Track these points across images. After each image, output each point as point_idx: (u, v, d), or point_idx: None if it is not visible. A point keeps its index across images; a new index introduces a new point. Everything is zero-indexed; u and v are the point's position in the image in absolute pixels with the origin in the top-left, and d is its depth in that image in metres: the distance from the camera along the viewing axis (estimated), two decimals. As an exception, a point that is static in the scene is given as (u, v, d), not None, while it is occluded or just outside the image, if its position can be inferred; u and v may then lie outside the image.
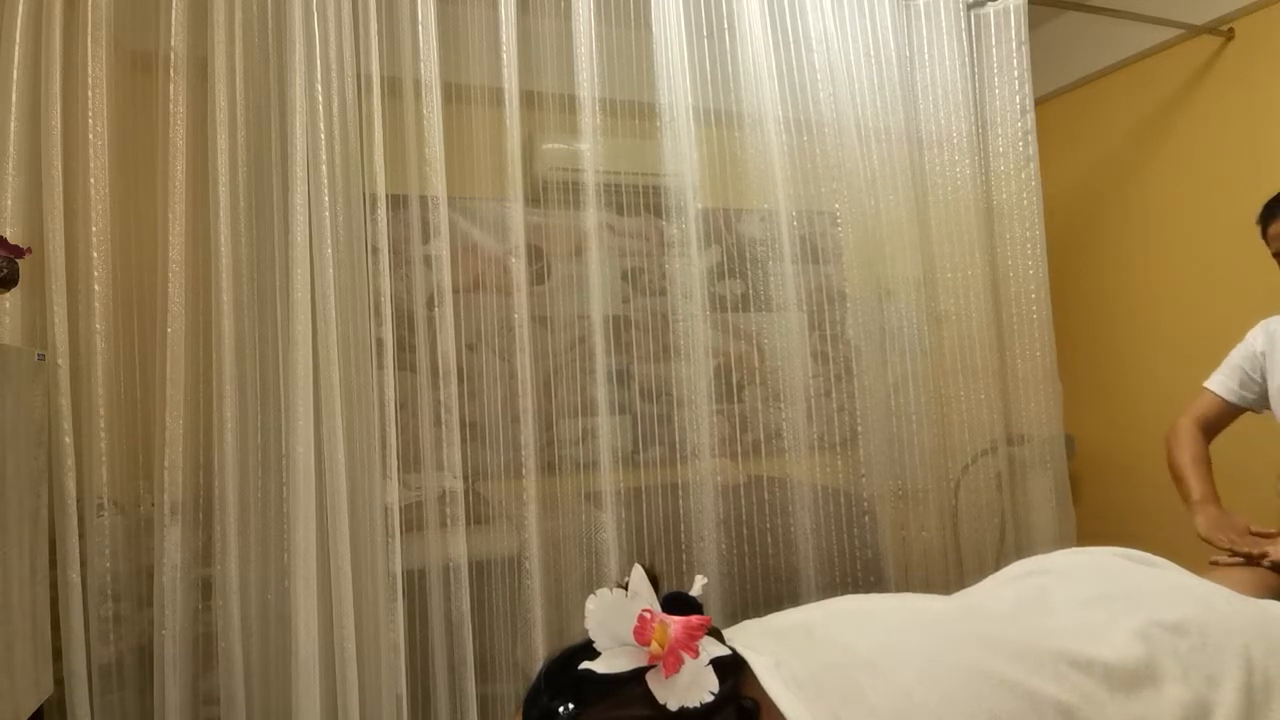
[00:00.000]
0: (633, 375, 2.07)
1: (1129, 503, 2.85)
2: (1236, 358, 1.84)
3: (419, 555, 1.73)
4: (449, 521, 1.72)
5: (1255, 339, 1.82)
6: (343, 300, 1.61)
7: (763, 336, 2.15)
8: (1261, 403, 1.80)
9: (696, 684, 0.74)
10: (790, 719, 0.74)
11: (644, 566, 0.81)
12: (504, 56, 1.82)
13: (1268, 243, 1.73)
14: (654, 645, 0.74)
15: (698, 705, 0.72)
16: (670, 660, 0.74)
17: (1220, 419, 1.83)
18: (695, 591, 0.84)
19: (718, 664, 0.76)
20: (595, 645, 0.77)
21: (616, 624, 0.76)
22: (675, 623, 0.76)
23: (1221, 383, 1.83)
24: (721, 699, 0.74)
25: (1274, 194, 1.72)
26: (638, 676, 0.74)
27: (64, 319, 1.49)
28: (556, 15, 1.93)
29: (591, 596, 0.79)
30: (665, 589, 0.82)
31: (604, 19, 1.96)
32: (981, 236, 2.26)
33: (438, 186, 1.75)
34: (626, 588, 0.79)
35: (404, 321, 1.75)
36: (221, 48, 1.58)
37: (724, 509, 2.01)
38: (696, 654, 0.76)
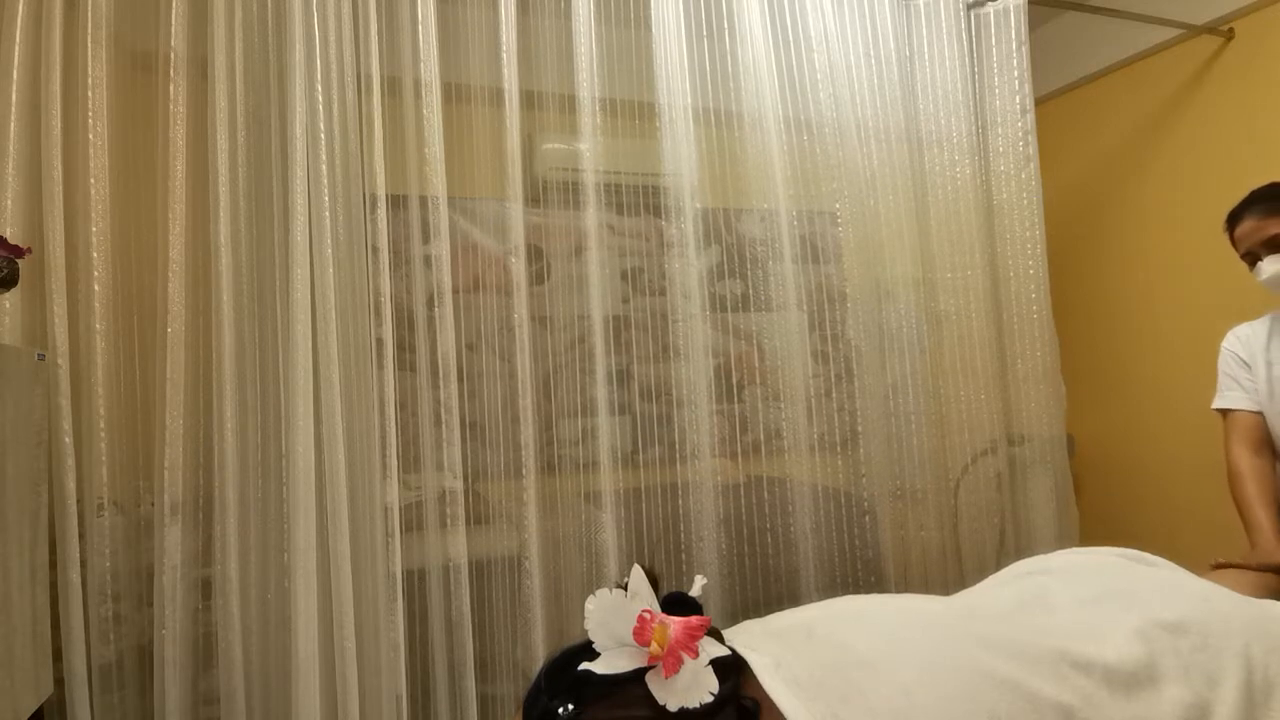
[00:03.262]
0: (633, 375, 2.06)
1: (1129, 503, 2.85)
2: (1229, 370, 1.86)
3: (419, 555, 1.73)
4: (449, 521, 1.72)
5: (1233, 347, 1.86)
6: (343, 300, 1.61)
7: (763, 336, 2.15)
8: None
9: (696, 684, 0.74)
10: (790, 719, 0.74)
11: (644, 567, 0.81)
12: (504, 56, 1.82)
13: (1235, 246, 1.78)
14: (654, 646, 0.74)
15: (697, 705, 0.72)
16: (670, 661, 0.74)
17: (1261, 428, 1.80)
18: (695, 592, 0.84)
19: (718, 664, 0.76)
20: (595, 645, 0.77)
21: (616, 624, 0.76)
22: (675, 623, 0.76)
23: (1234, 398, 1.84)
24: (722, 699, 0.74)
25: (1238, 201, 1.78)
26: (638, 677, 0.74)
27: (64, 319, 1.49)
28: (556, 15, 1.92)
29: (591, 597, 0.78)
30: (665, 589, 0.82)
31: (604, 19, 1.95)
32: (981, 236, 2.26)
33: (438, 186, 1.75)
34: (626, 588, 0.79)
35: (404, 321, 1.75)
36: (221, 48, 1.58)
37: (724, 509, 2.00)
38: (696, 654, 0.76)
